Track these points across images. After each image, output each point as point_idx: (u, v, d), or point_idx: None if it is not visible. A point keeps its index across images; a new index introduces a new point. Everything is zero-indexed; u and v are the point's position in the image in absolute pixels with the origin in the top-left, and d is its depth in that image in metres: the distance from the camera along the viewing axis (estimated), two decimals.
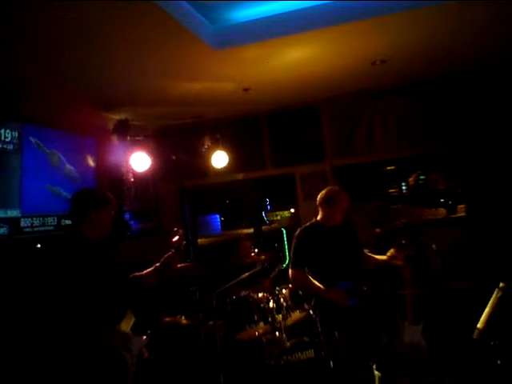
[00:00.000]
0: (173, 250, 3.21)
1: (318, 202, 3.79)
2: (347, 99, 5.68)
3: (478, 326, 2.72)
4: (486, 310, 2.73)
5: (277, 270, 4.98)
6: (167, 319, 4.32)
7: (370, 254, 3.98)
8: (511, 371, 2.87)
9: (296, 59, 4.17)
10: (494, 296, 2.74)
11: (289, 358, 3.91)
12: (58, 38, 3.22)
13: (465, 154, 5.33)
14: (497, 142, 5.11)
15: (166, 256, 3.19)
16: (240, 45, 3.73)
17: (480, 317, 2.74)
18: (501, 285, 2.72)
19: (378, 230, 5.43)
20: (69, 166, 5.02)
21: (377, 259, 3.93)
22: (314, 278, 3.63)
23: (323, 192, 3.79)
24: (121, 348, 2.71)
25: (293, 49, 3.94)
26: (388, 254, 3.86)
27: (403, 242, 3.79)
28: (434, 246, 4.18)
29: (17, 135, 4.39)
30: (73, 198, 2.97)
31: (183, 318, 4.27)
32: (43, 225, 4.69)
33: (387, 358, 3.59)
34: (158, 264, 3.19)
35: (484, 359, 3.26)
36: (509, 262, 4.54)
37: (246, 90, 4.83)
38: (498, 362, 2.73)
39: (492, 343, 2.71)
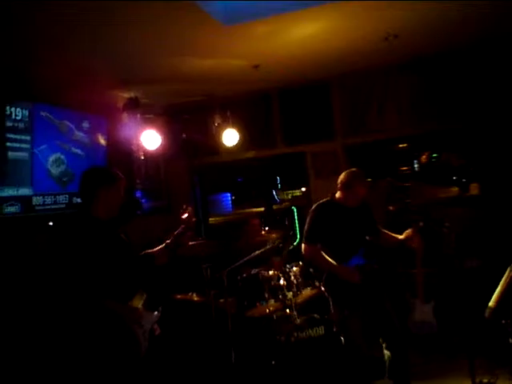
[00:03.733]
0: (183, 227, 3.19)
1: (337, 184, 3.75)
2: (359, 76, 5.61)
3: (490, 304, 2.73)
4: (498, 289, 2.73)
5: (288, 249, 4.98)
6: (179, 296, 4.35)
7: (387, 232, 3.95)
8: None
9: (307, 35, 4.11)
10: (506, 275, 2.73)
11: (299, 334, 3.93)
12: (73, 15, 3.19)
13: (478, 131, 5.26)
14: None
15: (175, 233, 3.18)
16: (250, 20, 3.67)
17: (492, 295, 2.73)
18: None
19: (391, 207, 5.39)
20: (78, 133, 5.02)
21: (393, 238, 3.90)
22: (327, 255, 3.61)
23: (343, 175, 3.75)
24: (133, 324, 2.75)
25: (303, 24, 3.88)
26: (404, 234, 3.83)
27: (420, 224, 3.75)
28: (446, 223, 4.15)
29: (27, 114, 4.39)
30: (83, 176, 2.96)
31: (195, 295, 4.31)
32: (55, 203, 4.72)
33: (397, 337, 3.57)
34: (168, 241, 3.18)
35: (495, 338, 3.27)
36: None
37: (255, 66, 4.79)
38: (510, 340, 2.73)
39: (503, 322, 2.71)
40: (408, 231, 3.80)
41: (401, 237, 3.84)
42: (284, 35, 4.06)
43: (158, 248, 3.20)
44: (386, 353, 3.62)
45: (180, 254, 3.28)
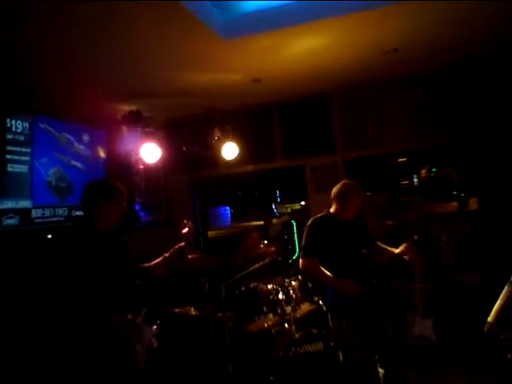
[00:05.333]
0: (183, 242, 3.20)
1: (332, 196, 3.74)
2: (359, 90, 5.64)
3: (489, 319, 2.70)
4: (497, 304, 2.70)
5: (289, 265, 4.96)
6: (177, 310, 4.30)
7: (382, 246, 3.93)
8: None
9: (307, 49, 4.15)
10: (505, 290, 2.70)
11: (298, 349, 3.87)
12: (74, 29, 3.24)
13: (477, 146, 5.28)
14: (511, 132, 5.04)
15: (175, 247, 3.19)
16: (250, 34, 3.71)
17: (491, 310, 2.71)
18: None
19: (389, 222, 5.39)
20: (79, 145, 5.02)
21: (389, 252, 3.88)
22: (324, 269, 3.59)
23: (338, 186, 3.74)
24: (131, 338, 2.73)
25: (304, 39, 3.91)
26: (400, 248, 3.81)
27: (415, 237, 3.74)
28: (444, 238, 4.14)
29: (28, 126, 4.40)
30: (86, 189, 2.97)
31: (192, 309, 4.26)
32: (54, 215, 4.70)
33: (392, 355, 3.54)
34: (166, 254, 3.19)
35: (494, 353, 3.24)
36: None
37: (256, 80, 4.82)
38: (509, 355, 2.71)
39: (502, 337, 2.68)
40: (404, 244, 3.78)
41: (396, 250, 3.82)
42: (284, 49, 4.09)
43: (155, 261, 3.20)
44: (381, 371, 3.58)
45: (177, 267, 3.30)
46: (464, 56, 4.92)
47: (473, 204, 5.55)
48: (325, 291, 3.69)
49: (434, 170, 6.00)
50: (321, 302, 3.81)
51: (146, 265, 3.18)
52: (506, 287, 2.70)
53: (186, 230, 3.21)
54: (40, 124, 4.57)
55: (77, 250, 2.71)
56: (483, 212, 5.32)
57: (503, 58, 4.97)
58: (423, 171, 6.01)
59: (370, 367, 3.65)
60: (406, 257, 3.78)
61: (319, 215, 3.80)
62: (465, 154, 5.52)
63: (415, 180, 6.04)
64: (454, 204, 5.73)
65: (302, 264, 3.68)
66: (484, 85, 5.18)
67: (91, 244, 2.76)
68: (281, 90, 5.38)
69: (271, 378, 3.86)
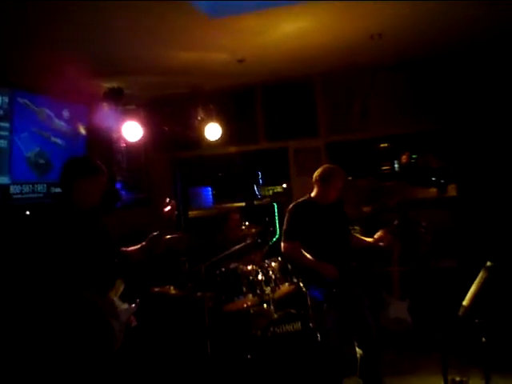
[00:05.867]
0: (160, 230, 3.14)
1: (313, 179, 3.78)
2: (343, 74, 5.63)
3: (464, 303, 2.75)
4: (472, 288, 2.75)
5: (268, 245, 4.98)
6: (156, 289, 4.30)
7: (356, 235, 4.00)
8: (495, 349, 2.90)
9: (292, 31, 4.11)
10: (480, 275, 2.75)
11: (276, 329, 3.90)
12: (54, 7, 3.16)
13: (458, 133, 5.33)
14: (491, 121, 5.11)
15: (152, 235, 3.13)
16: (235, 14, 3.65)
17: (466, 294, 2.76)
18: (488, 264, 2.73)
19: (367, 208, 5.45)
20: (58, 121, 4.94)
21: (363, 241, 3.95)
22: (305, 252, 3.65)
23: (319, 170, 3.78)
24: (108, 315, 2.74)
25: (289, 20, 3.87)
26: (376, 235, 3.87)
27: (395, 222, 3.78)
28: (423, 223, 4.20)
29: (7, 100, 4.32)
30: (64, 166, 2.93)
31: (172, 288, 4.26)
32: (33, 192, 4.65)
33: (370, 336, 3.62)
34: (144, 243, 3.13)
35: (469, 336, 3.31)
36: (496, 242, 4.58)
37: (240, 61, 4.77)
38: (483, 339, 2.75)
39: (477, 321, 2.72)
40: (379, 233, 3.84)
41: (371, 240, 3.89)
42: (269, 31, 4.05)
43: (132, 248, 3.17)
44: (359, 351, 3.66)
45: (156, 254, 3.22)
46: (448, 44, 4.93)
47: (452, 190, 5.63)
48: (305, 276, 3.75)
49: (414, 156, 6.06)
50: (301, 284, 3.86)
51: (125, 249, 3.15)
52: (481, 272, 2.74)
53: (168, 208, 3.16)
54: (19, 98, 4.48)
55: (53, 227, 2.69)
56: (462, 198, 5.38)
57: (487, 47, 5.00)
58: (404, 157, 6.07)
59: (348, 348, 3.72)
60: (381, 243, 3.82)
61: (300, 200, 3.85)
62: (445, 142, 5.57)
63: (396, 165, 6.10)
64: (434, 190, 5.80)
65: (284, 248, 3.75)
66: (467, 74, 5.22)
67: (68, 221, 2.74)
68: (265, 72, 5.34)
69: (248, 356, 3.88)
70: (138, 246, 3.14)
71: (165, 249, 3.23)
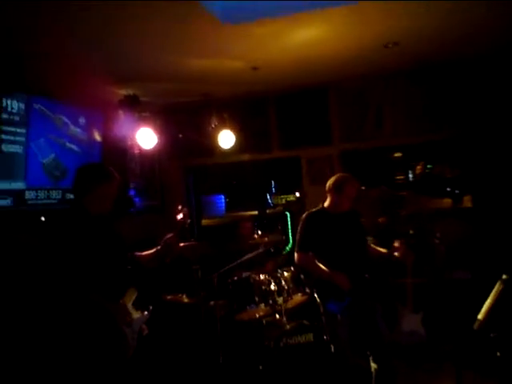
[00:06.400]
0: (174, 233, 3.16)
1: (326, 188, 3.76)
2: (357, 82, 5.60)
3: (479, 317, 2.66)
4: (488, 302, 2.66)
5: (281, 253, 4.95)
6: (169, 297, 4.29)
7: (371, 246, 3.95)
8: (510, 363, 2.79)
9: (307, 38, 4.09)
10: (496, 288, 2.66)
11: (288, 340, 3.88)
12: (73, 13, 3.19)
13: (474, 143, 5.27)
14: (508, 131, 5.04)
15: (166, 238, 3.15)
16: (251, 20, 3.62)
17: (481, 308, 2.67)
18: (503, 277, 2.63)
19: (381, 219, 5.41)
20: (74, 128, 4.95)
21: (376, 252, 3.90)
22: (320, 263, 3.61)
23: (333, 178, 3.76)
24: (121, 323, 2.75)
25: (304, 27, 3.86)
26: (392, 248, 3.80)
27: (411, 232, 3.74)
28: (438, 235, 4.14)
29: (24, 107, 4.34)
30: (77, 172, 2.96)
31: (185, 296, 4.24)
32: (47, 198, 4.66)
33: (384, 350, 3.57)
34: (159, 247, 3.15)
35: (483, 351, 3.26)
36: None
37: (254, 68, 4.76)
38: (498, 354, 2.67)
39: (492, 335, 2.65)
40: (395, 244, 3.78)
41: (384, 251, 3.84)
42: (284, 38, 4.04)
43: (147, 252, 3.18)
44: (373, 365, 3.60)
45: (169, 259, 3.25)
46: (462, 51, 4.88)
47: (467, 201, 5.56)
48: (319, 286, 3.71)
49: (429, 166, 6.01)
50: (315, 294, 3.82)
51: (138, 254, 3.16)
52: (496, 285, 2.66)
53: (180, 215, 3.18)
54: (35, 105, 4.50)
55: (67, 233, 2.71)
56: (477, 209, 5.32)
57: (504, 53, 4.94)
58: (418, 167, 6.02)
59: (362, 361, 3.66)
60: (396, 254, 3.76)
61: (314, 209, 3.82)
62: (461, 151, 5.51)
63: (410, 175, 6.05)
64: (448, 201, 5.74)
65: (297, 258, 3.72)
66: (482, 82, 5.16)
67: (82, 227, 2.76)
68: (279, 80, 5.32)
69: (260, 367, 3.85)
70: (153, 249, 3.16)
71: (178, 254, 3.25)
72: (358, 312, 3.57)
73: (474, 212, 5.33)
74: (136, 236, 4.16)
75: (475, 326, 2.65)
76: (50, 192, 4.71)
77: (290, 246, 5.47)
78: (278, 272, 4.21)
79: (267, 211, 6.65)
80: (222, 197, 7.37)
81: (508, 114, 5.05)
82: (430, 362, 4.38)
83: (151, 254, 3.16)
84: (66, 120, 4.84)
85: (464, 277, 4.72)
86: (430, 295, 4.62)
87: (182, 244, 3.33)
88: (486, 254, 4.86)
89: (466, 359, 3.75)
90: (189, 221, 3.32)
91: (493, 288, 2.66)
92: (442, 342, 4.31)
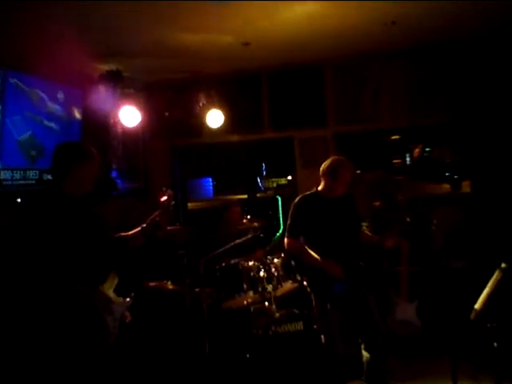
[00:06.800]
0: (158, 211, 3.12)
1: (320, 172, 3.67)
2: (354, 61, 5.50)
3: (476, 306, 2.66)
4: (485, 291, 2.65)
5: (272, 242, 4.88)
6: (152, 283, 4.21)
7: (364, 231, 3.93)
8: (507, 354, 2.81)
9: (303, 14, 3.98)
10: (494, 277, 2.64)
11: (277, 329, 3.88)
12: None
13: (473, 126, 5.23)
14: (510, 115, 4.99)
15: (153, 216, 3.10)
16: None
17: (478, 297, 2.67)
18: (502, 265, 2.61)
19: (377, 203, 5.34)
20: (52, 105, 4.78)
21: (368, 238, 3.87)
22: (311, 249, 3.56)
23: (327, 162, 3.66)
24: (102, 310, 2.71)
25: (299, 3, 3.74)
26: (385, 235, 3.81)
27: (407, 219, 3.68)
28: (435, 221, 4.09)
29: None
30: (56, 151, 2.87)
31: (169, 283, 4.18)
32: (24, 178, 4.53)
33: (378, 339, 3.55)
34: (144, 224, 3.10)
35: (480, 341, 3.19)
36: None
37: (246, 44, 4.63)
38: (495, 344, 2.65)
39: (489, 325, 2.63)
40: (387, 233, 3.81)
41: (376, 238, 3.84)
42: (278, 13, 3.93)
43: (132, 231, 3.11)
44: (365, 354, 3.60)
45: (156, 237, 3.21)
46: (464, 32, 4.81)
47: (466, 187, 5.54)
48: (309, 273, 3.66)
49: (427, 149, 5.95)
50: (305, 283, 3.79)
51: (123, 234, 3.10)
52: (494, 274, 2.63)
53: (164, 198, 3.12)
54: (11, 79, 4.32)
55: (44, 215, 2.63)
56: (476, 195, 5.29)
57: (508, 32, 4.86)
58: (416, 150, 6.00)
59: (354, 350, 3.66)
60: (387, 243, 3.74)
61: (307, 193, 3.75)
62: (460, 135, 5.48)
63: (408, 159, 6.01)
64: (447, 186, 5.72)
65: (287, 243, 3.68)
66: (484, 64, 5.10)
67: (61, 208, 2.69)
68: (272, 56, 5.20)
69: (247, 355, 3.84)
70: (139, 228, 3.10)
71: (164, 237, 3.23)
72: (350, 300, 3.52)
73: (473, 198, 5.31)
74: (118, 219, 4.07)
75: (472, 315, 2.65)
76: (27, 172, 4.57)
77: (280, 232, 5.38)
78: (267, 259, 4.15)
79: (257, 195, 6.57)
80: (210, 179, 7.29)
81: (509, 99, 4.99)
82: (425, 353, 4.36)
83: (136, 232, 3.10)
84: (43, 95, 4.67)
85: (461, 265, 4.69)
86: (426, 284, 4.59)
87: (168, 228, 3.30)
88: (484, 241, 4.83)
89: (461, 350, 3.73)
90: (173, 203, 3.23)
91: (491, 277, 2.64)
92: (438, 333, 4.27)
